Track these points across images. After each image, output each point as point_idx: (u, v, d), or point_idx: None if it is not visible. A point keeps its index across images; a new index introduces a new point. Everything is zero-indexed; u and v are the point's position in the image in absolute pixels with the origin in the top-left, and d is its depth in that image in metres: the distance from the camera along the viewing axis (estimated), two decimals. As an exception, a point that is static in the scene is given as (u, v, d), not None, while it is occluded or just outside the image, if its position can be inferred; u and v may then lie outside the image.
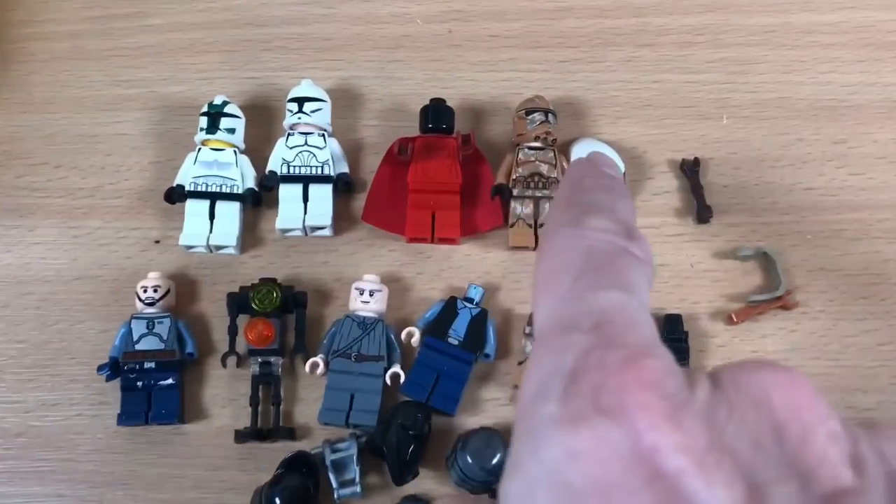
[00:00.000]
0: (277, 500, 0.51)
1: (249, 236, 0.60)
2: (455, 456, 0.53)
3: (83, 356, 0.57)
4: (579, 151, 0.61)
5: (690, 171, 0.61)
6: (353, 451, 0.53)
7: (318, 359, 0.55)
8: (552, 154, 0.60)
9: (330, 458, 0.53)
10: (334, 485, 0.53)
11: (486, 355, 0.56)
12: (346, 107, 0.63)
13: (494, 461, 0.52)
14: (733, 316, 0.57)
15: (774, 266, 0.58)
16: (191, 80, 0.64)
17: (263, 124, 0.63)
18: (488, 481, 0.52)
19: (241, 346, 0.56)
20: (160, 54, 0.65)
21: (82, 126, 0.63)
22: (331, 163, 0.59)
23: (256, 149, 0.61)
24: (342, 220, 0.60)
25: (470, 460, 0.52)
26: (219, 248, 0.59)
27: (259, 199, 0.60)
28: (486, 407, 0.56)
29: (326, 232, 0.59)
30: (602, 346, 0.21)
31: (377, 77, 0.65)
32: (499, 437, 0.53)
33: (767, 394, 0.21)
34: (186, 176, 0.59)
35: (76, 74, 0.64)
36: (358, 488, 0.53)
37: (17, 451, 0.55)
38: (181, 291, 0.58)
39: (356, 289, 0.57)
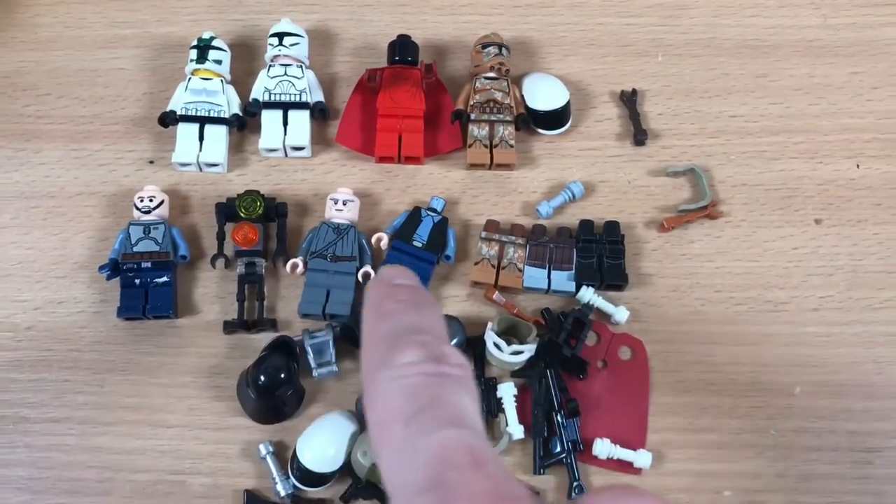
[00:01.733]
0: (262, 378, 0.57)
1: (235, 157, 0.67)
2: (419, 341, 0.60)
3: (85, 261, 0.64)
4: (531, 83, 0.68)
5: (629, 100, 0.69)
6: (330, 337, 0.60)
7: (298, 260, 0.62)
8: (505, 83, 0.67)
9: (309, 342, 0.60)
10: (313, 365, 0.59)
11: (447, 257, 0.63)
12: (321, 45, 0.71)
13: (453, 343, 0.59)
14: (664, 223, 0.65)
15: (701, 180, 0.66)
16: (182, 21, 0.71)
17: (246, 60, 0.70)
18: (448, 360, 0.59)
19: (229, 250, 0.63)
20: (153, -1, 0.72)
21: (83, 62, 0.70)
22: (308, 91, 0.66)
23: (240, 82, 0.68)
24: (318, 143, 0.67)
25: (432, 342, 0.59)
26: (208, 165, 0.65)
27: (244, 124, 0.67)
28: (447, 302, 0.63)
29: (305, 153, 0.66)
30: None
31: (349, 19, 0.72)
32: (457, 322, 0.60)
33: None
34: (178, 102, 0.66)
35: (77, 17, 0.71)
36: (335, 367, 0.59)
37: (27, 342, 0.61)
38: (173, 205, 0.65)
39: (331, 199, 0.64)
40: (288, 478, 0.57)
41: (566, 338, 0.60)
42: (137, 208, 0.63)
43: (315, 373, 0.59)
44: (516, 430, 0.59)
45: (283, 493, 0.57)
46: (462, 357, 0.27)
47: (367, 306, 0.29)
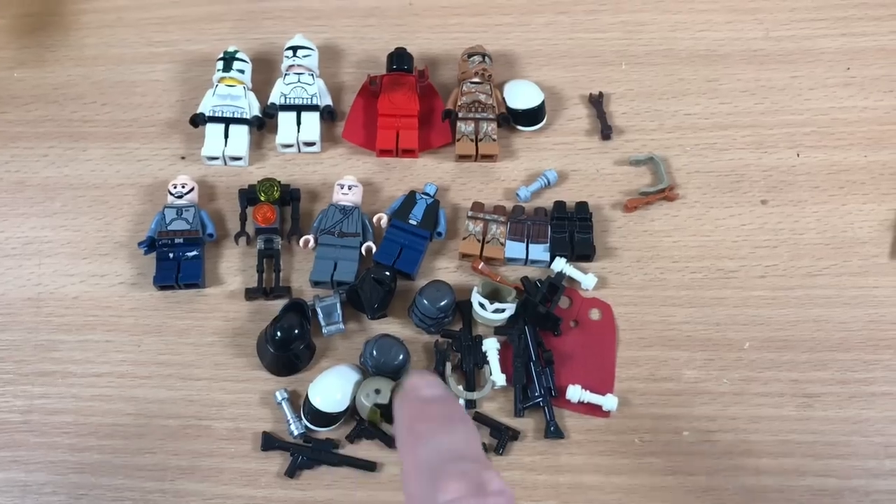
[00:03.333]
0: (278, 333, 0.66)
1: (255, 154, 0.77)
2: (414, 303, 0.69)
3: (124, 241, 0.73)
4: (511, 86, 0.79)
5: (596, 101, 0.79)
6: (337, 300, 0.69)
7: (310, 236, 0.72)
8: (488, 87, 0.78)
9: (319, 305, 0.69)
10: (322, 324, 0.68)
11: (439, 233, 0.73)
12: (329, 59, 0.82)
13: (444, 302, 0.68)
14: (628, 203, 0.74)
15: (660, 167, 0.76)
16: (209, 41, 0.82)
17: (264, 72, 0.81)
18: (439, 318, 0.68)
19: (250, 230, 0.73)
20: (185, 22, 0.83)
21: (123, 75, 0.81)
22: (318, 95, 0.77)
23: (259, 90, 0.79)
24: (327, 140, 0.78)
25: (426, 302, 0.68)
26: (232, 158, 0.76)
27: (263, 124, 0.77)
28: (438, 273, 0.73)
29: (315, 148, 0.77)
30: None
31: (353, 38, 0.83)
32: (447, 285, 0.69)
33: None
34: (206, 106, 0.76)
35: (119, 38, 0.83)
36: (341, 325, 0.69)
37: (74, 309, 0.71)
38: (202, 194, 0.75)
39: (338, 184, 0.73)
40: (300, 419, 0.66)
41: (542, 300, 0.69)
42: (171, 193, 0.73)
43: (324, 330, 0.68)
44: (499, 378, 0.67)
45: (296, 433, 0.66)
46: (502, 481, 0.28)
47: (399, 428, 0.30)
